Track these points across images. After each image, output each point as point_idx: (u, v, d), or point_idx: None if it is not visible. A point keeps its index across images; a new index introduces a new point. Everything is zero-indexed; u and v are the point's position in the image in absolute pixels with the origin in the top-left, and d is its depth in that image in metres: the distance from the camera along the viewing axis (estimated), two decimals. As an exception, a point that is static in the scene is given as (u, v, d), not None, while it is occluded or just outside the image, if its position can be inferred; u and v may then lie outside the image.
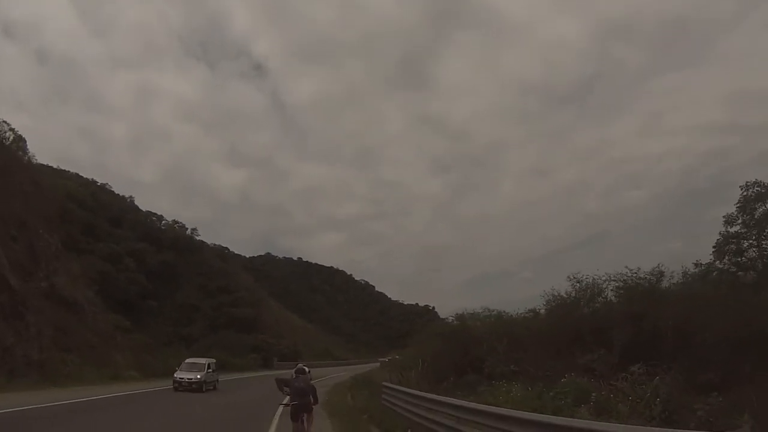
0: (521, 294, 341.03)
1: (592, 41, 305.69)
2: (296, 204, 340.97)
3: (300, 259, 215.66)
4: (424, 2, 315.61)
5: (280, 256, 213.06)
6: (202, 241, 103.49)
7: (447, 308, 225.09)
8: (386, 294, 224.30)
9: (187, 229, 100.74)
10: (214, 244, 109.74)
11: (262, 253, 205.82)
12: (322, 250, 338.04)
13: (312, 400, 13.99)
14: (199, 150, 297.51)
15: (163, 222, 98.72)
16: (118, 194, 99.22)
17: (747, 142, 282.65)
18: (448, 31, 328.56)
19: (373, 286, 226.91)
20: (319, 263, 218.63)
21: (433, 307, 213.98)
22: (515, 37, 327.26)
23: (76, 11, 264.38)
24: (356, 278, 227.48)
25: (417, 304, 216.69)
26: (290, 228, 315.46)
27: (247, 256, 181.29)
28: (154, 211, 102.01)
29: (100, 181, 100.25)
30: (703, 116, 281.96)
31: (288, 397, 14.24)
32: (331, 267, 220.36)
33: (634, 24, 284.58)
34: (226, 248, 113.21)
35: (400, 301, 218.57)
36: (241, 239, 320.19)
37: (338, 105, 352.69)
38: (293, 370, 15.74)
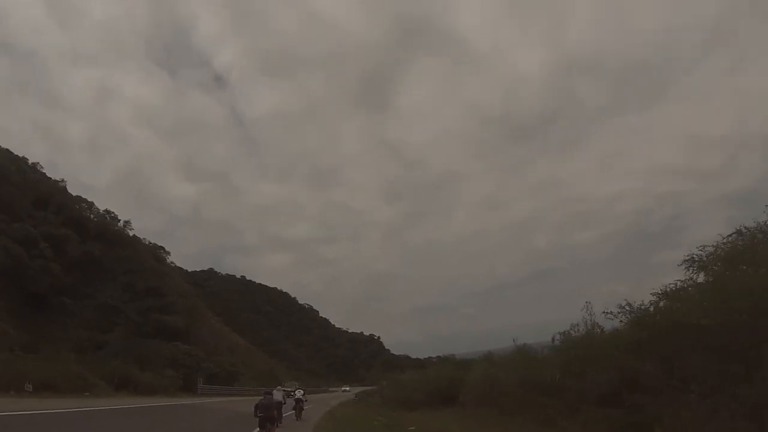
0: (461, 328, 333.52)
1: (555, 76, 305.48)
2: (246, 222, 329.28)
3: (243, 277, 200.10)
4: (391, 22, 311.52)
5: (223, 272, 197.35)
6: (135, 236, 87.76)
7: (391, 338, 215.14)
8: (330, 320, 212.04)
9: (119, 220, 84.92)
10: (150, 243, 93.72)
11: (205, 268, 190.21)
12: (269, 270, 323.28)
13: (276, 414, 20.40)
14: (153, 158, 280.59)
15: (93, 208, 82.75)
16: (50, 177, 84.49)
17: (701, 186, 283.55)
18: (413, 54, 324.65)
19: (317, 311, 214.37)
20: (264, 283, 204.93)
21: (379, 337, 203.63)
22: (479, 67, 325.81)
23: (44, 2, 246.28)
24: (300, 301, 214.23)
25: (362, 332, 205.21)
26: (238, 246, 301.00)
27: (189, 270, 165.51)
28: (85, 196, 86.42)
29: (31, 159, 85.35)
30: (659, 158, 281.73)
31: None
32: (275, 288, 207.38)
33: (597, 62, 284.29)
34: (162, 248, 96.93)
35: (345, 329, 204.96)
36: (187, 254, 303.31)
37: (297, 122, 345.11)
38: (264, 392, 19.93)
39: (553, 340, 25.79)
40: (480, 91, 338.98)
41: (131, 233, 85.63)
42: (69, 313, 61.55)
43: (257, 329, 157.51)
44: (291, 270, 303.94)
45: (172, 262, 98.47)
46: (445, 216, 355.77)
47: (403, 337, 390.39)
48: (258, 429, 18.19)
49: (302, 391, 33.72)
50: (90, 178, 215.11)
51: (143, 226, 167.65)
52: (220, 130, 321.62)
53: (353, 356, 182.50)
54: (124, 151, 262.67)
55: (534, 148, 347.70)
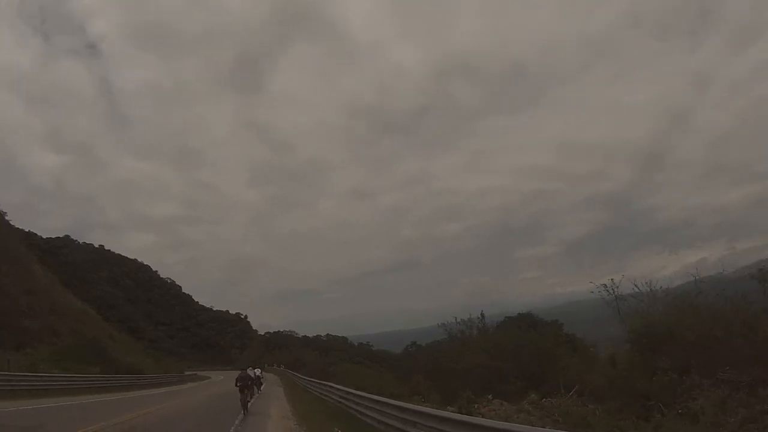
0: (328, 314, 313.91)
1: (431, 73, 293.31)
2: (110, 198, 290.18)
3: (102, 246, 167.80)
4: (273, 4, 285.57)
5: (80, 241, 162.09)
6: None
7: (256, 321, 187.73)
8: (193, 297, 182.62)
9: None
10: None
11: (61, 235, 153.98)
12: (132, 249, 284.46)
13: (251, 384, 27.28)
14: (17, 125, 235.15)
15: None
16: None
17: (569, 188, 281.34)
18: (291, 39, 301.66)
19: (180, 287, 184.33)
20: (124, 255, 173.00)
21: (246, 316, 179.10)
22: (357, 58, 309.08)
23: None
24: (162, 275, 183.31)
25: (228, 311, 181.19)
26: (100, 222, 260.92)
27: (44, 237, 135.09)
28: None
29: None
30: (528, 159, 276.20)
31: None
32: (135, 260, 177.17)
33: (474, 63, 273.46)
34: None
35: (210, 307, 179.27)
36: (47, 227, 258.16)
37: (167, 98, 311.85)
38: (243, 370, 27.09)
39: None
40: (356, 82, 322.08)
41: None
42: None
43: (113, 304, 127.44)
44: (154, 249, 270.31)
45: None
46: (312, 203, 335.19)
47: (268, 320, 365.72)
48: (239, 394, 24.20)
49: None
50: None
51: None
52: (89, 100, 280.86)
53: (219, 336, 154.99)
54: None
55: (406, 142, 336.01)
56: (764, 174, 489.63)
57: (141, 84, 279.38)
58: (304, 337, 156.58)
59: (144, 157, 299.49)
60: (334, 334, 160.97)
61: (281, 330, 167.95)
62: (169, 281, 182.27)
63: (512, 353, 35.59)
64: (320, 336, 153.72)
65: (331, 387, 30.17)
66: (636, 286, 23.79)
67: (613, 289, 25.73)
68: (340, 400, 25.74)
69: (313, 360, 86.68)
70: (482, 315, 49.52)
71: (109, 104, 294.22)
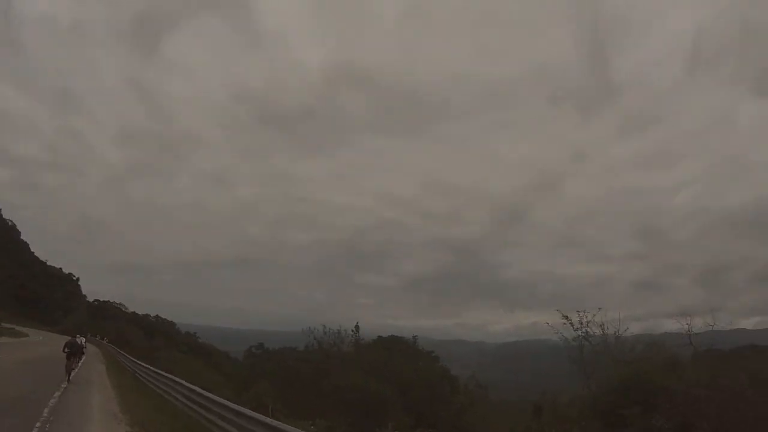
0: (160, 295, 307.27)
1: (328, 77, 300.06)
2: None
3: None
4: None
5: None
6: None
7: (86, 285, 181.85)
8: (31, 247, 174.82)
9: None
10: None
11: None
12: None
13: (78, 351, 26.67)
14: None
15: None
16: None
17: (422, 224, 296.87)
18: (198, 9, 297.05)
19: (20, 232, 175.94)
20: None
21: (78, 279, 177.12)
22: (258, 44, 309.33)
23: None
24: (4, 216, 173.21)
25: (61, 269, 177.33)
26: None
27: None
28: None
29: None
30: (395, 186, 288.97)
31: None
32: None
33: (372, 77, 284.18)
34: None
35: (45, 260, 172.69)
36: None
37: (62, 35, 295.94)
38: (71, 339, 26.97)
39: None
40: (250, 67, 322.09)
41: None
42: None
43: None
44: (5, 188, 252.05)
45: None
46: (172, 177, 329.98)
47: (99, 287, 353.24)
48: (66, 360, 24.73)
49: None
50: None
51: None
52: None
53: (48, 293, 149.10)
54: None
55: (282, 139, 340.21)
56: (611, 257, 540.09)
57: (41, 13, 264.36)
58: (133, 313, 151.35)
59: (21, 87, 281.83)
60: (163, 317, 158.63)
61: (110, 300, 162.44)
62: (10, 223, 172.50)
63: (398, 385, 34.53)
64: (149, 315, 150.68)
65: (175, 382, 20.70)
66: (587, 327, 22.04)
67: (581, 324, 22.23)
68: (189, 404, 17.24)
69: (139, 340, 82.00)
70: (357, 328, 47.78)
71: (6, 24, 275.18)
